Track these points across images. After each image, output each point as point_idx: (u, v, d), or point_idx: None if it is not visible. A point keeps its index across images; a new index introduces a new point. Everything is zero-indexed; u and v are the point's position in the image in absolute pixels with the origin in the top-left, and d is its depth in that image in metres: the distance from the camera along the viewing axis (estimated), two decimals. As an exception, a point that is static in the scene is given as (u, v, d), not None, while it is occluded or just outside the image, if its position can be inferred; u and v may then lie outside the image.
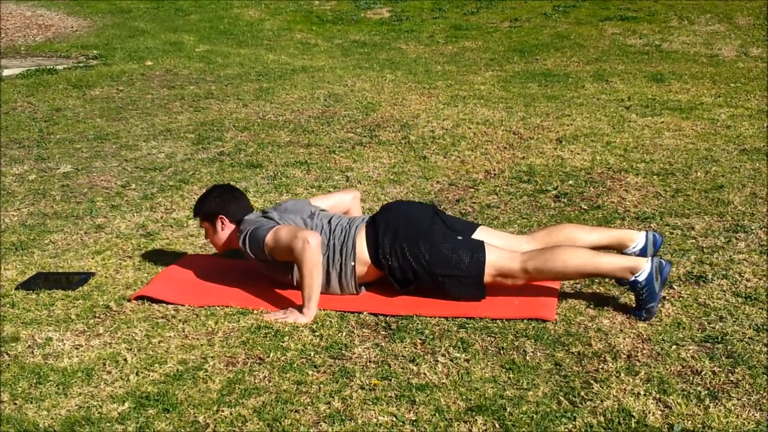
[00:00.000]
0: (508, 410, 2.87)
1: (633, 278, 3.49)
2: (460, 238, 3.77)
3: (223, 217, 4.00)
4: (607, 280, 3.89)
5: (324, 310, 3.67)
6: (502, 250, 3.73)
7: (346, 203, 4.23)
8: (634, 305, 3.57)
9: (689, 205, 4.83)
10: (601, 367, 3.14)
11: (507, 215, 4.83)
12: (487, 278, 3.67)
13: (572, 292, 3.81)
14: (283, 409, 2.93)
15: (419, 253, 3.70)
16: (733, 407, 2.85)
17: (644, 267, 3.49)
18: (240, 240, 3.87)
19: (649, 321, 3.47)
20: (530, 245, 3.84)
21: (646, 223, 4.59)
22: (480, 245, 3.71)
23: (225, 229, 4.03)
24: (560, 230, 3.93)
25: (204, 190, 4.34)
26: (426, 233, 3.76)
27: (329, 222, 3.90)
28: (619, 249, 3.85)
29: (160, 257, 4.40)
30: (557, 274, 3.62)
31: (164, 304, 3.79)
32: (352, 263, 3.78)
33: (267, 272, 3.96)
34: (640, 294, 3.49)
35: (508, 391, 3.00)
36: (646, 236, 3.85)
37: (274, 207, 4.10)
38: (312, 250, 3.59)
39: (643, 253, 3.78)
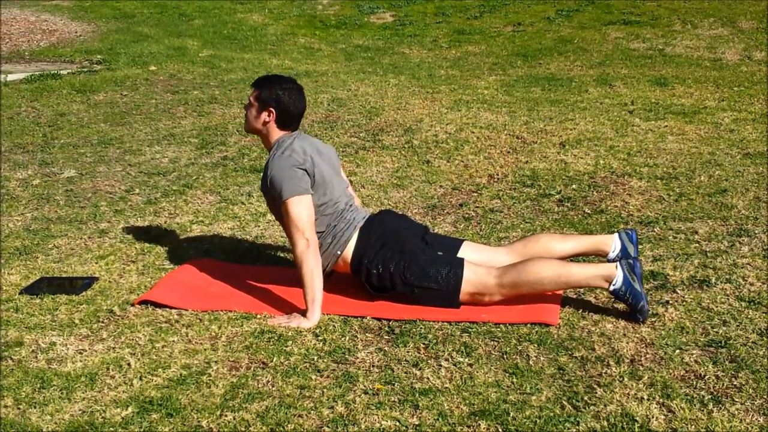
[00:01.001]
0: (511, 415, 2.87)
1: (612, 288, 3.51)
2: (440, 253, 3.83)
3: (273, 111, 3.87)
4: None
5: (327, 314, 3.67)
6: (479, 266, 3.74)
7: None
8: (627, 311, 3.58)
9: (693, 209, 4.83)
10: (604, 371, 3.14)
11: (510, 219, 4.84)
12: (463, 296, 3.69)
13: (575, 297, 3.81)
14: (286, 413, 2.93)
15: (399, 264, 3.73)
16: (736, 412, 2.85)
17: (617, 273, 3.51)
18: (269, 160, 3.84)
19: (651, 324, 3.47)
20: (509, 257, 3.86)
21: (649, 227, 4.59)
22: (459, 262, 3.74)
23: (267, 121, 3.89)
24: (536, 241, 3.94)
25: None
26: (409, 247, 3.79)
27: (348, 206, 3.92)
28: (602, 256, 3.87)
29: (163, 262, 4.40)
30: (533, 287, 3.62)
31: (168, 309, 3.79)
32: (339, 252, 3.83)
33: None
34: (626, 300, 3.51)
35: (512, 395, 3.00)
36: (620, 237, 3.86)
37: (311, 142, 3.98)
38: (312, 253, 3.61)
39: (624, 254, 3.79)
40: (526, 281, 3.60)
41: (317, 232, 3.77)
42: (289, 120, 3.90)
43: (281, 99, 3.86)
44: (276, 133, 3.90)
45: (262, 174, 3.95)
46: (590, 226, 4.67)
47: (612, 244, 3.85)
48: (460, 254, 3.87)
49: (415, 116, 7.42)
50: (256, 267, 4.33)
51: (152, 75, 9.95)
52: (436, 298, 3.71)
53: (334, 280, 3.92)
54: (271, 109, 3.86)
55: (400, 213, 4.18)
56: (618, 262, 3.55)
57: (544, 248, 3.84)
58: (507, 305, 3.69)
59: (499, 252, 3.94)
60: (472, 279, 3.67)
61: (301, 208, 3.69)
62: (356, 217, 3.90)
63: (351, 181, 5.60)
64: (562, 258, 3.78)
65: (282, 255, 4.50)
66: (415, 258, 3.75)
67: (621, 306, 3.65)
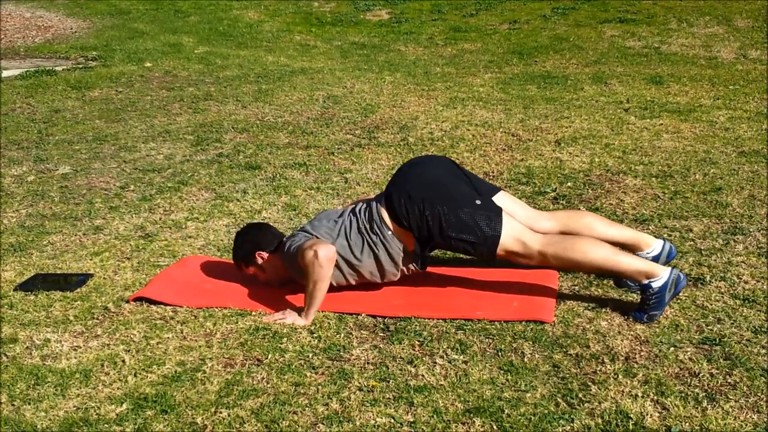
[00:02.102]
0: (506, 412, 2.87)
1: (646, 282, 3.47)
2: (478, 202, 3.70)
3: (260, 252, 3.94)
4: (605, 282, 3.89)
5: (322, 311, 3.67)
6: (523, 226, 3.68)
7: None
8: (636, 306, 3.57)
9: (687, 207, 4.83)
10: (599, 368, 3.14)
11: (505, 217, 4.83)
12: (501, 252, 3.63)
13: (570, 294, 3.81)
14: (281, 410, 2.93)
15: (437, 213, 3.64)
16: (730, 409, 2.85)
17: (662, 275, 3.47)
18: (285, 266, 3.87)
19: (647, 324, 3.47)
20: (550, 224, 3.81)
21: (644, 225, 4.59)
22: (498, 214, 3.65)
23: (268, 261, 3.96)
24: (581, 217, 3.90)
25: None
26: (445, 193, 3.70)
27: (355, 211, 3.86)
28: (633, 250, 3.81)
29: (158, 259, 4.40)
30: (573, 265, 3.60)
31: (162, 306, 3.79)
32: (389, 231, 3.74)
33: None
34: (648, 299, 3.47)
35: (506, 392, 3.00)
36: (663, 245, 3.83)
37: (310, 221, 4.02)
38: (319, 263, 3.56)
39: (655, 260, 3.75)
40: (571, 258, 3.56)
41: (354, 257, 3.77)
42: (271, 239, 3.98)
43: (250, 241, 3.98)
44: (279, 257, 3.92)
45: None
46: (585, 223, 4.67)
47: (653, 245, 3.81)
48: (498, 202, 3.77)
49: (410, 114, 7.41)
50: (251, 264, 4.32)
51: (147, 71, 9.94)
52: (475, 251, 3.67)
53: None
54: (257, 252, 3.94)
55: (429, 155, 4.04)
56: (672, 269, 3.51)
57: (588, 227, 3.80)
58: (502, 303, 3.69)
59: (541, 216, 3.89)
60: (512, 236, 3.61)
61: (305, 244, 3.70)
62: (372, 199, 3.85)
63: (346, 179, 5.61)
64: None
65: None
66: (453, 207, 3.65)
67: (618, 303, 3.66)
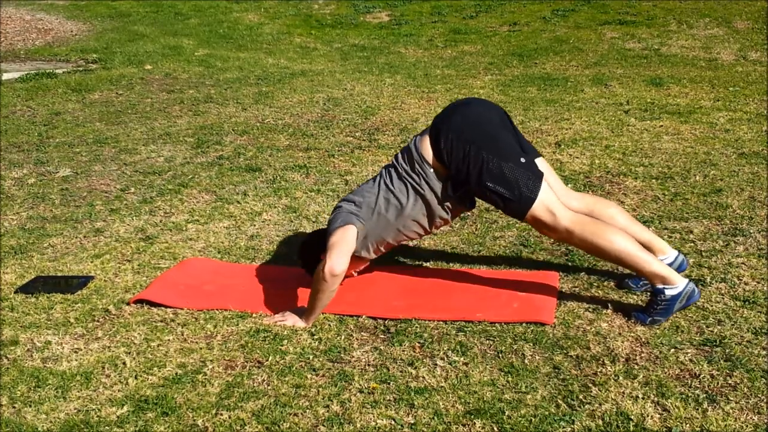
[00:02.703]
0: (506, 414, 2.87)
1: (660, 287, 3.46)
2: (523, 160, 3.63)
3: (321, 254, 3.75)
4: (606, 283, 3.89)
5: (323, 313, 3.67)
6: (557, 198, 3.63)
7: None
8: (642, 307, 3.57)
9: (688, 209, 4.83)
10: (599, 370, 3.14)
11: (505, 219, 4.84)
12: (530, 217, 3.59)
13: (571, 295, 3.81)
14: (281, 412, 2.93)
15: (481, 159, 3.56)
16: (731, 410, 2.85)
17: (678, 285, 3.45)
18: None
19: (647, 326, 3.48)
20: (577, 204, 3.77)
21: (645, 226, 4.59)
22: (539, 178, 3.59)
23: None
24: (607, 207, 3.85)
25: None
26: (493, 141, 3.62)
27: (394, 159, 3.79)
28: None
29: (159, 261, 4.40)
30: (594, 249, 3.56)
31: (163, 308, 3.79)
32: (431, 169, 3.66)
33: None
34: (657, 304, 3.46)
35: (507, 394, 3.00)
36: (677, 257, 3.82)
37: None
38: (324, 278, 3.52)
39: None
40: (596, 243, 3.52)
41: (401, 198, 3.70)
42: (319, 237, 3.84)
43: (309, 251, 3.90)
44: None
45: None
46: (586, 225, 4.67)
47: (668, 253, 3.78)
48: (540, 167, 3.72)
49: (411, 116, 7.42)
50: (251, 266, 4.33)
51: (148, 74, 9.94)
52: (506, 206, 3.61)
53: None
54: (321, 256, 3.73)
55: (483, 99, 3.88)
56: (690, 281, 3.49)
57: (611, 218, 3.75)
58: (502, 304, 3.69)
59: (570, 195, 3.84)
60: (545, 204, 3.55)
61: (330, 238, 3.67)
62: (412, 140, 3.77)
63: (347, 181, 5.61)
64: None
65: (277, 254, 4.50)
66: (499, 158, 3.56)
67: (618, 305, 3.65)
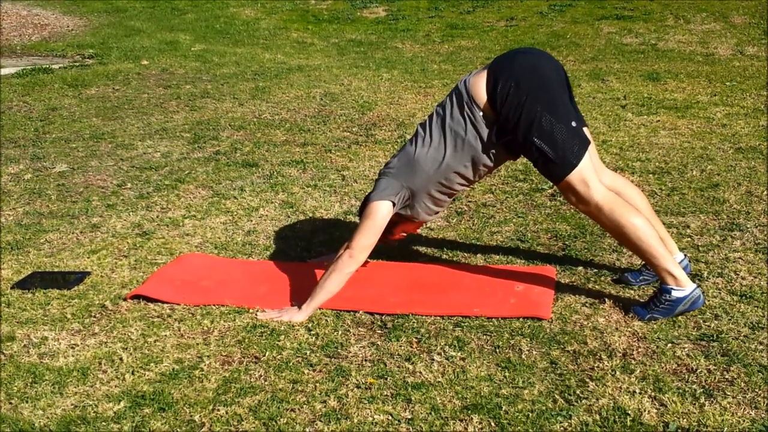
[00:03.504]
0: (503, 409, 2.87)
1: (668, 287, 3.45)
2: (574, 124, 3.55)
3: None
4: (603, 278, 3.90)
5: (320, 309, 3.67)
6: (595, 171, 3.56)
7: None
8: (642, 302, 3.57)
9: (685, 204, 4.84)
10: (596, 365, 3.14)
11: (503, 214, 4.84)
12: (565, 183, 3.51)
13: (568, 290, 3.81)
14: (278, 408, 2.93)
15: (535, 113, 3.46)
16: (728, 405, 2.85)
17: (685, 288, 3.44)
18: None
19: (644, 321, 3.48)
20: (609, 181, 3.71)
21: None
22: (585, 146, 3.52)
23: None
24: (633, 193, 3.80)
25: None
26: (551, 99, 3.53)
27: (440, 105, 3.70)
28: None
29: (155, 256, 4.39)
30: (616, 230, 3.50)
31: (160, 303, 3.79)
32: (480, 113, 3.55)
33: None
34: (660, 302, 3.45)
35: (504, 389, 3.00)
36: (683, 260, 3.80)
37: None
38: (347, 263, 3.57)
39: None
40: (621, 224, 3.46)
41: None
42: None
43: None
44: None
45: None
46: (583, 220, 4.67)
47: (675, 255, 3.74)
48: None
49: (408, 111, 7.41)
50: (248, 261, 4.33)
51: (144, 69, 9.93)
52: (545, 167, 3.53)
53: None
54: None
55: (547, 54, 3.79)
56: (697, 287, 3.46)
57: (634, 203, 3.68)
58: (500, 300, 3.69)
59: (605, 171, 3.79)
60: (584, 175, 3.49)
61: (367, 212, 3.67)
62: (462, 80, 3.68)
63: (344, 176, 5.60)
64: None
65: (274, 249, 4.49)
66: (554, 118, 3.48)
67: (615, 300, 3.65)
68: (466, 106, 3.57)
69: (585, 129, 3.67)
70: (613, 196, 3.53)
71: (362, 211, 3.79)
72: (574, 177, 3.49)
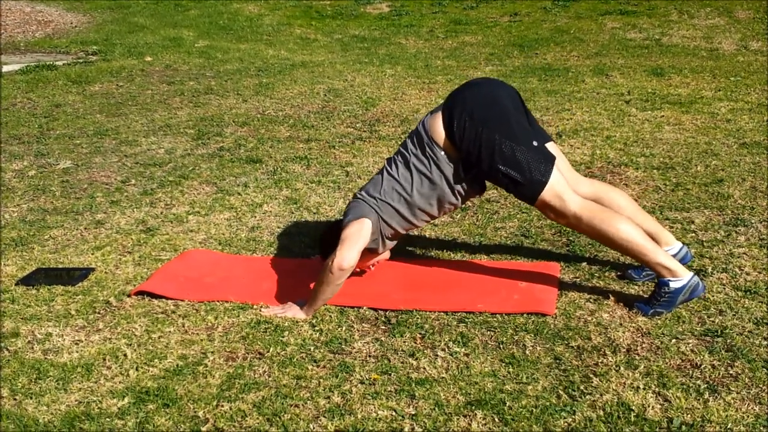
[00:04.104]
0: (507, 404, 2.87)
1: (665, 279, 3.45)
2: (535, 144, 3.58)
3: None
4: (607, 274, 3.89)
5: (324, 305, 3.67)
6: (567, 183, 3.59)
7: None
8: (644, 298, 3.56)
9: (689, 199, 4.83)
10: (600, 361, 3.14)
11: (507, 210, 4.83)
12: (540, 202, 3.55)
13: (572, 286, 3.81)
14: (282, 403, 2.93)
15: (494, 141, 3.50)
16: (732, 401, 2.85)
17: (683, 277, 3.44)
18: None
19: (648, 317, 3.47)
20: (586, 189, 3.74)
21: (645, 217, 4.59)
22: (551, 162, 3.55)
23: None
24: (615, 195, 3.82)
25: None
26: (507, 124, 3.55)
27: (402, 146, 3.74)
28: None
29: (159, 253, 4.40)
30: (601, 237, 3.53)
31: (164, 300, 3.79)
32: (441, 152, 3.60)
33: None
34: (660, 296, 3.46)
35: (508, 385, 3.00)
36: (681, 249, 3.81)
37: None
38: (331, 271, 3.51)
39: None
40: (602, 230, 3.49)
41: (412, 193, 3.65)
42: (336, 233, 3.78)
43: (328, 243, 3.78)
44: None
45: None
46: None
47: (672, 245, 3.77)
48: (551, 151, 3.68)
49: (411, 107, 7.41)
50: (252, 257, 4.33)
51: (148, 66, 9.93)
52: (516, 189, 3.57)
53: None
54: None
55: (496, 80, 3.87)
56: (696, 275, 3.47)
57: (618, 206, 3.72)
58: (503, 295, 3.69)
59: (580, 179, 3.82)
60: (556, 190, 3.52)
61: (344, 231, 3.63)
62: (421, 121, 3.72)
63: (347, 172, 5.60)
64: None
65: (278, 245, 4.50)
66: (512, 141, 3.51)
67: (619, 295, 3.65)
68: (427, 147, 3.61)
69: (549, 144, 3.72)
70: (590, 205, 3.56)
71: (324, 245, 3.84)
72: (547, 194, 3.53)
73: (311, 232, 4.63)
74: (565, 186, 3.57)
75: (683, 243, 4.15)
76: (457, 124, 3.53)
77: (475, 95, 3.62)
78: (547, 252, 4.23)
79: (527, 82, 8.25)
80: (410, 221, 3.74)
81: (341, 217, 3.79)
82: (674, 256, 3.72)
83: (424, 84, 8.40)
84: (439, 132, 3.59)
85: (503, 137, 3.50)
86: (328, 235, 3.87)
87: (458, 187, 3.65)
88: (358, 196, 3.77)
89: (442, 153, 3.58)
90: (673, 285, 3.43)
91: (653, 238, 3.73)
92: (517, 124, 3.59)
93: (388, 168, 3.74)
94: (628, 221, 3.55)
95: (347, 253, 3.53)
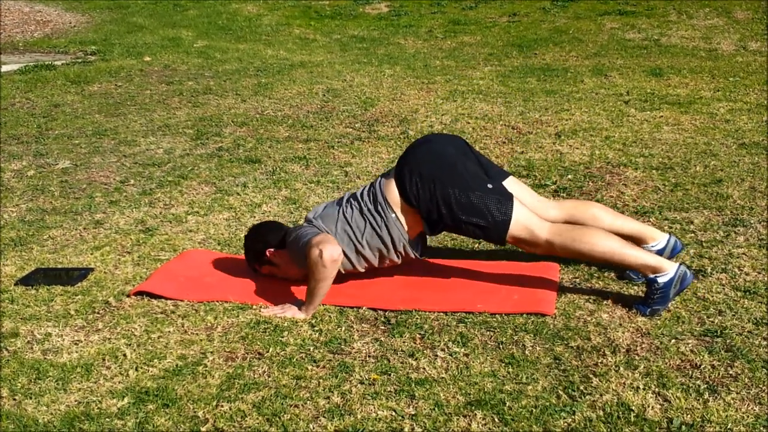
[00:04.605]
0: (507, 404, 2.87)
1: (652, 276, 3.47)
2: (490, 186, 3.67)
3: (270, 249, 3.91)
4: (606, 274, 3.89)
5: (323, 305, 3.67)
6: (532, 213, 3.66)
7: None
8: (641, 299, 3.56)
9: (688, 200, 4.83)
10: (600, 361, 3.14)
11: (506, 210, 4.83)
12: (510, 239, 3.62)
13: (571, 286, 3.81)
14: (282, 403, 2.93)
15: (448, 195, 3.60)
16: (732, 401, 2.85)
17: (668, 271, 3.46)
18: (292, 259, 3.82)
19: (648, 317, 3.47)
20: (556, 212, 3.80)
21: (645, 217, 4.59)
22: (509, 200, 3.62)
23: (278, 257, 3.92)
24: (588, 208, 3.89)
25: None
26: (457, 175, 3.66)
27: (356, 196, 3.83)
28: (638, 243, 3.79)
29: (159, 253, 4.40)
30: (579, 255, 3.59)
31: (163, 300, 3.79)
32: (393, 214, 3.70)
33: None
34: (653, 294, 3.47)
35: (508, 385, 3.00)
36: (669, 239, 3.83)
37: (314, 209, 3.96)
38: (323, 264, 3.52)
39: (659, 254, 3.74)
40: (578, 249, 3.55)
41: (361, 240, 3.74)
42: (278, 234, 3.94)
43: (257, 241, 3.96)
44: (286, 251, 3.86)
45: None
46: (586, 216, 4.67)
47: (659, 239, 3.81)
48: (508, 189, 3.74)
49: (410, 107, 7.41)
50: (251, 258, 4.32)
51: (147, 66, 9.93)
52: (484, 235, 3.65)
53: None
54: (267, 250, 3.92)
55: (441, 134, 4.00)
56: (680, 265, 3.49)
57: (594, 218, 3.78)
58: (503, 295, 3.69)
59: (547, 204, 3.87)
60: (523, 224, 3.59)
61: (312, 240, 3.64)
62: (376, 180, 3.80)
63: (346, 172, 5.60)
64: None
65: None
66: (465, 190, 3.61)
67: (619, 295, 3.65)
68: (380, 206, 3.73)
69: (508, 181, 3.83)
70: (559, 228, 3.62)
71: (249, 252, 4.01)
72: (514, 230, 3.60)
73: (310, 232, 4.63)
74: (530, 217, 3.64)
75: (682, 243, 4.16)
76: (410, 188, 3.65)
77: (422, 154, 3.74)
78: (547, 252, 4.22)
79: (526, 83, 8.25)
80: (354, 266, 3.81)
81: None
82: (663, 248, 3.78)
83: (422, 84, 8.40)
84: (394, 196, 3.70)
85: (456, 188, 3.61)
86: (248, 237, 4.03)
87: (401, 249, 3.76)
88: (314, 223, 3.82)
89: (393, 216, 3.70)
90: (661, 280, 3.45)
91: (637, 238, 3.80)
92: (467, 172, 3.69)
93: (344, 209, 3.80)
94: (599, 232, 3.61)
95: (333, 245, 3.57)
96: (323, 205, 3.95)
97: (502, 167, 5.55)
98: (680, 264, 3.52)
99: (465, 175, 3.67)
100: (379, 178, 3.81)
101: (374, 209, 3.72)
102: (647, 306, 3.48)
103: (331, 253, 3.52)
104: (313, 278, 3.57)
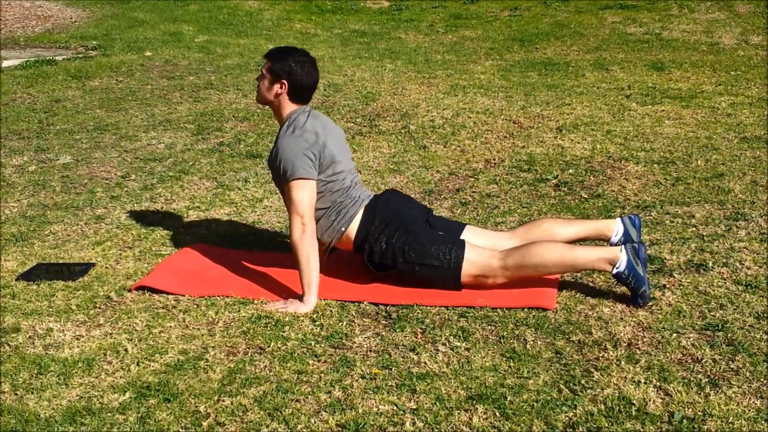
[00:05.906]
0: (508, 399, 2.87)
1: (615, 270, 3.50)
2: (442, 233, 3.82)
3: (285, 83, 3.79)
4: (607, 268, 3.89)
5: (324, 299, 3.67)
6: (483, 248, 3.74)
7: None
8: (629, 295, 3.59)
9: (690, 194, 4.83)
10: (601, 355, 3.14)
11: (507, 204, 4.83)
12: (466, 278, 3.68)
13: (573, 281, 3.81)
14: (283, 398, 2.93)
15: (401, 242, 3.74)
16: (733, 395, 2.85)
17: (621, 257, 3.50)
18: (280, 135, 3.80)
19: (648, 308, 3.47)
20: (511, 242, 3.86)
21: (646, 211, 4.59)
22: (461, 242, 3.74)
23: (279, 94, 3.81)
24: (539, 225, 3.94)
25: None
26: (411, 225, 3.79)
27: (353, 183, 3.91)
28: (605, 240, 3.87)
29: (160, 248, 4.40)
30: (537, 270, 3.63)
31: (165, 295, 3.79)
32: (343, 229, 3.82)
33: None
34: (628, 283, 3.50)
35: (509, 379, 3.00)
36: (622, 222, 3.86)
37: (322, 121, 3.90)
38: (309, 238, 3.62)
39: (627, 238, 3.79)
40: (531, 264, 3.60)
41: (322, 209, 3.79)
42: (302, 93, 3.83)
43: (294, 71, 3.78)
44: (288, 107, 3.83)
45: (272, 146, 3.90)
46: (587, 210, 4.67)
47: (615, 228, 3.84)
48: (463, 237, 3.85)
49: (411, 101, 7.40)
50: (252, 252, 4.33)
51: (148, 61, 9.92)
52: (438, 276, 3.70)
53: (331, 265, 3.92)
54: (284, 81, 3.78)
55: (405, 194, 4.15)
56: (623, 246, 3.54)
57: (547, 233, 3.83)
58: (504, 289, 3.69)
59: (502, 237, 3.94)
60: (475, 260, 3.67)
61: (304, 192, 3.69)
62: (361, 195, 3.90)
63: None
64: (566, 242, 3.77)
65: (278, 240, 4.50)
66: (417, 236, 3.74)
67: (618, 290, 3.66)
68: (337, 222, 3.87)
69: (465, 229, 3.93)
70: (507, 252, 3.68)
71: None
72: (468, 269, 3.68)
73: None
74: (481, 252, 3.72)
75: (684, 238, 4.17)
76: (370, 236, 3.79)
77: (386, 211, 3.86)
78: (548, 246, 4.22)
79: (527, 77, 8.24)
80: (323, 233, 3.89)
81: None
82: (625, 230, 3.82)
83: (424, 78, 8.39)
84: (355, 225, 3.84)
85: (406, 238, 3.74)
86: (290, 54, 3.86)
87: (325, 239, 3.90)
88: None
89: (343, 230, 3.84)
90: (622, 267, 3.50)
91: (600, 236, 3.88)
92: (418, 225, 3.83)
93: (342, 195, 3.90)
94: (546, 243, 3.67)
95: (306, 217, 3.67)
96: (335, 132, 3.97)
97: (503, 161, 5.55)
98: (623, 244, 3.57)
99: (418, 226, 3.83)
100: (359, 204, 3.87)
101: (341, 213, 3.83)
102: (635, 296, 3.52)
103: (312, 226, 3.69)
104: (302, 254, 3.64)
